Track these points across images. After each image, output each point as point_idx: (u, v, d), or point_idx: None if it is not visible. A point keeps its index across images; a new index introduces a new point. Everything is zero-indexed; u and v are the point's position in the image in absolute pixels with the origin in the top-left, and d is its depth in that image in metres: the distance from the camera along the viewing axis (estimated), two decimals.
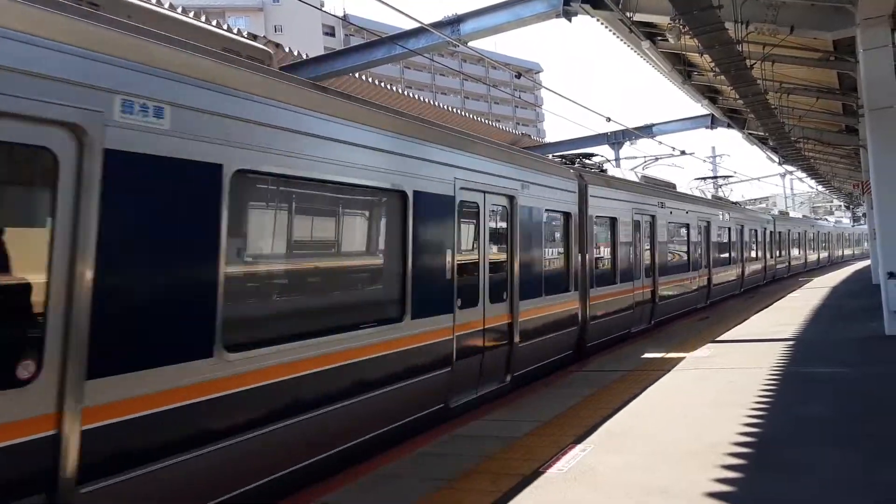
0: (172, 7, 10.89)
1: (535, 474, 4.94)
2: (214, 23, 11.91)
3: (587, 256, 11.24)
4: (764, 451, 5.19)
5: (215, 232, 4.49)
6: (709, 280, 18.74)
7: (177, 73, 4.30)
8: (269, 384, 4.81)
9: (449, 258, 7.16)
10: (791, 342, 10.83)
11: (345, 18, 49.83)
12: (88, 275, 3.69)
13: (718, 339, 11.74)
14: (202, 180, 4.42)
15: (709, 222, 18.87)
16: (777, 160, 27.09)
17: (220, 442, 4.42)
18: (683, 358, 9.87)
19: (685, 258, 17.12)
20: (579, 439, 5.79)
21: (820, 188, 48.16)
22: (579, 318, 10.84)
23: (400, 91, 17.40)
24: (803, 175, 36.17)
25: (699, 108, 22.36)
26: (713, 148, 72.36)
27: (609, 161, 15.56)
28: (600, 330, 11.71)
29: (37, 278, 3.59)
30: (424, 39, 13.52)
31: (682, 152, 26.35)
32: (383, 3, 8.98)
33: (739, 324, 13.73)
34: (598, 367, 9.80)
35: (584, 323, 11.07)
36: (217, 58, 4.32)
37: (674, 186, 18.04)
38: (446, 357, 7.06)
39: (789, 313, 15.12)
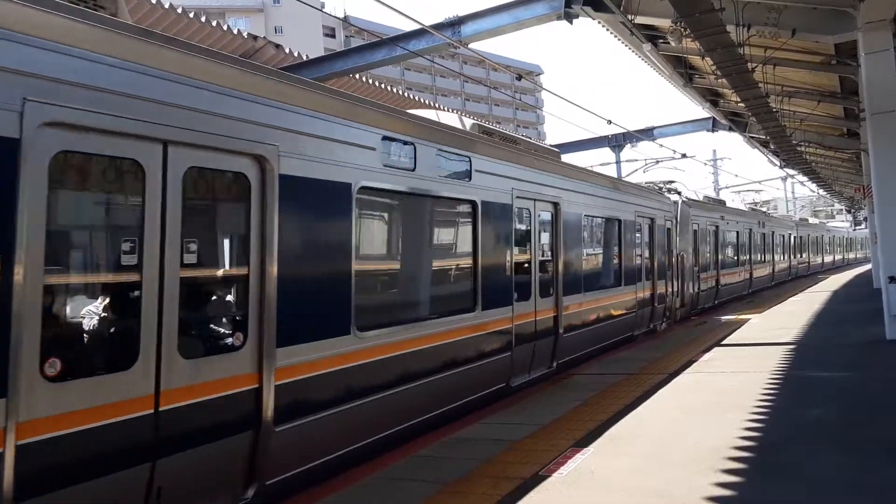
0: (173, 7, 10.89)
1: (535, 478, 4.91)
2: (215, 23, 11.91)
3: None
4: (765, 456, 5.16)
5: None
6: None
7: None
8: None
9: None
10: (792, 346, 10.81)
11: (345, 20, 49.74)
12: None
13: (724, 342, 11.72)
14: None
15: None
16: (778, 164, 27.10)
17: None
18: (687, 360, 9.85)
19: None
20: (579, 443, 5.76)
21: (821, 192, 48.27)
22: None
23: (400, 93, 17.36)
24: (804, 179, 36.21)
25: (700, 111, 22.39)
26: (714, 151, 72.27)
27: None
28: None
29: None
30: (425, 41, 13.51)
31: (683, 155, 26.32)
32: (384, 4, 8.95)
33: (739, 328, 13.71)
34: (598, 370, 9.77)
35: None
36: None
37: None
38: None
39: (795, 318, 15.09)
